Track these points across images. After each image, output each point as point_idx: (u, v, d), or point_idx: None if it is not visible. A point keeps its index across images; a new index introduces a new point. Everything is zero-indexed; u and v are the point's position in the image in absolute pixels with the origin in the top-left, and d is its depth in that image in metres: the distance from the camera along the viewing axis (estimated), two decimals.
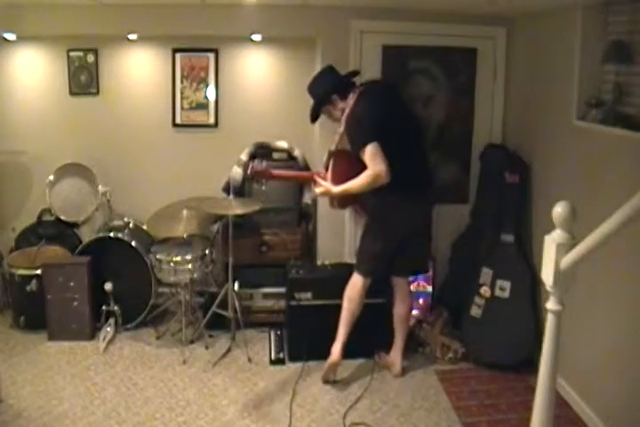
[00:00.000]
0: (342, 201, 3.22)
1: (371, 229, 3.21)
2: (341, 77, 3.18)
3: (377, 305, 3.37)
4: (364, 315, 3.24)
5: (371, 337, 3.38)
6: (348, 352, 3.45)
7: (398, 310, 3.34)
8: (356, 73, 3.28)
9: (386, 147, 2.86)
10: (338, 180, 3.00)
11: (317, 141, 3.84)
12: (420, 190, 3.14)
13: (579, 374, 3.01)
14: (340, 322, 3.23)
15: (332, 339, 3.40)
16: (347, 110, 3.04)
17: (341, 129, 3.09)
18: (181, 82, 4.16)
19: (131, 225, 3.94)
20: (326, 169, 3.10)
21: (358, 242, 3.31)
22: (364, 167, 2.87)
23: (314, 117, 3.22)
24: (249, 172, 3.17)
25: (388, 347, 3.42)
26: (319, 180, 3.08)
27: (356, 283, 3.21)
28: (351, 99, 3.05)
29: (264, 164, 3.20)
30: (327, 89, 3.10)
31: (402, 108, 3.18)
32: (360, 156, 2.89)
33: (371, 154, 2.84)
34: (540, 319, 3.22)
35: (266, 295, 3.87)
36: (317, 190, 3.11)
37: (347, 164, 2.98)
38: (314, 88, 3.17)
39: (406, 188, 2.99)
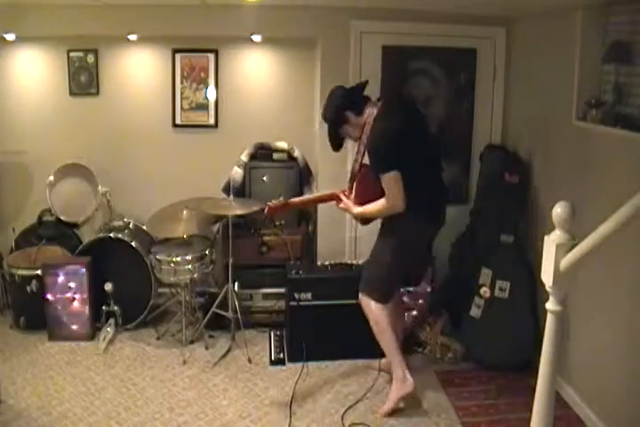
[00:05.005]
0: (364, 219, 3.11)
1: (392, 247, 2.99)
2: (351, 91, 3.01)
3: None
4: (361, 315, 3.22)
5: (369, 337, 3.37)
6: (347, 353, 3.47)
7: (395, 324, 3.11)
8: (364, 84, 3.09)
9: (409, 172, 2.78)
10: (361, 198, 2.97)
11: (318, 142, 3.84)
12: (440, 212, 3.07)
13: (579, 375, 3.01)
14: (388, 354, 3.06)
15: (332, 339, 3.41)
16: (367, 128, 2.88)
17: (361, 148, 2.95)
18: (181, 82, 4.17)
19: (131, 225, 3.94)
20: (350, 189, 3.05)
21: (368, 267, 3.13)
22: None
23: (336, 144, 3.06)
24: (266, 211, 3.05)
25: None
26: (342, 197, 3.06)
27: (378, 316, 3.01)
28: (369, 115, 2.89)
29: (281, 198, 3.06)
30: (338, 106, 2.93)
31: (423, 128, 3.05)
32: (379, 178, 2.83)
33: (389, 184, 2.78)
34: (539, 320, 3.21)
35: (266, 296, 3.87)
36: (340, 206, 3.09)
37: (370, 183, 2.89)
38: (325, 112, 3.01)
39: (425, 211, 2.93)
